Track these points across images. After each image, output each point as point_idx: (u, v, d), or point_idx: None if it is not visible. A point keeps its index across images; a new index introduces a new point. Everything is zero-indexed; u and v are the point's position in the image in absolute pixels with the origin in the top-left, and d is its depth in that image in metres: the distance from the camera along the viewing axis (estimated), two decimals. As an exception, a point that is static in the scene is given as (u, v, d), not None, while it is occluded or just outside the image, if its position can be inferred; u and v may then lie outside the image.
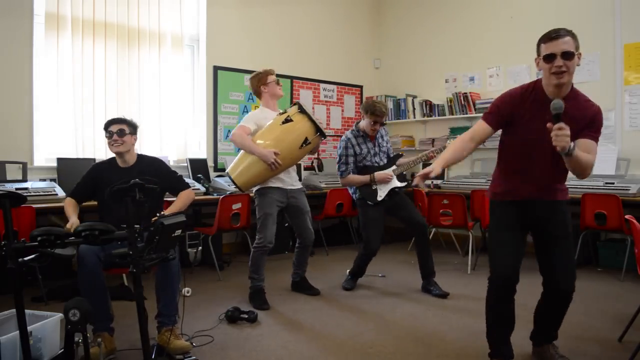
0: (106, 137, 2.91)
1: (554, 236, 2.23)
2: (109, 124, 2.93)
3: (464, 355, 2.61)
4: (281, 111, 3.49)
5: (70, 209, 2.83)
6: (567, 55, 2.01)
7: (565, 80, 2.04)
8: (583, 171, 2.05)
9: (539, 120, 2.07)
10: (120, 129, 2.88)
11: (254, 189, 3.58)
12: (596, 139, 2.10)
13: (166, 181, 2.94)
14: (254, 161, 3.32)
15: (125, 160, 2.93)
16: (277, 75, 3.72)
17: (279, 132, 3.34)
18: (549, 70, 2.04)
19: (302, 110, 3.35)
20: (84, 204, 2.97)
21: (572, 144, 1.89)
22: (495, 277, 2.24)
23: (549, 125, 1.89)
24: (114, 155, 2.98)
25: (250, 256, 3.59)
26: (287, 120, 3.33)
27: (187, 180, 4.66)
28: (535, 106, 2.13)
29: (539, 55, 2.12)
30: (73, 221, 2.68)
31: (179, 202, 2.96)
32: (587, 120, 2.09)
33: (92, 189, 2.91)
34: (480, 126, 2.25)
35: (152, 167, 2.97)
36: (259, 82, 3.64)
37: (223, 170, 5.39)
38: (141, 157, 3.02)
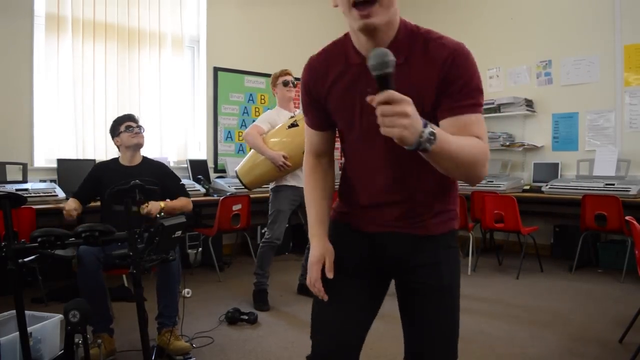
0: (123, 131, 2.90)
1: (421, 291, 1.32)
2: (128, 118, 2.95)
3: (464, 356, 2.61)
4: (292, 114, 3.56)
5: (73, 202, 2.83)
6: None
7: (378, 19, 1.10)
8: (467, 170, 1.11)
9: (359, 98, 1.20)
10: (140, 125, 2.95)
11: (270, 186, 3.62)
12: (474, 108, 1.14)
13: (169, 185, 2.94)
14: (262, 161, 3.40)
15: (132, 158, 2.94)
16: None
17: (284, 135, 3.40)
18: (348, 3, 1.10)
19: None
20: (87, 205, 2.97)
21: (424, 129, 0.97)
22: (312, 356, 1.35)
23: (369, 98, 0.97)
24: (116, 156, 3.02)
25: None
26: (293, 125, 3.39)
27: (186, 180, 4.74)
28: (349, 77, 1.23)
29: None
30: (71, 205, 2.71)
31: (177, 202, 2.94)
32: (440, 74, 1.14)
33: (95, 188, 2.90)
34: (309, 133, 1.42)
35: (157, 169, 2.97)
36: (271, 83, 3.75)
37: (223, 171, 5.39)
38: (146, 160, 3.03)
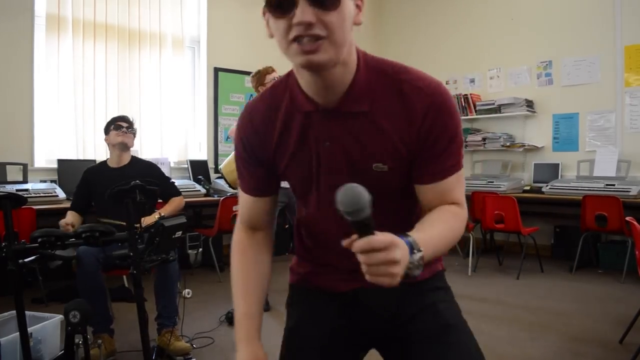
0: (112, 129, 2.92)
1: (422, 339, 1.05)
2: (120, 119, 2.97)
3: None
4: None
5: (70, 215, 2.85)
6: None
7: (326, 56, 0.85)
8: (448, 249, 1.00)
9: (315, 153, 0.99)
10: (129, 126, 2.96)
11: None
12: (457, 167, 0.98)
13: (160, 184, 2.93)
14: None
15: (120, 159, 2.94)
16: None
17: None
18: (286, 39, 0.86)
19: None
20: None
21: (412, 257, 0.81)
22: None
23: (345, 243, 0.78)
24: (104, 159, 3.05)
25: None
26: None
27: (187, 181, 4.74)
28: (300, 127, 0.99)
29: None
30: (67, 220, 2.72)
31: (169, 207, 2.96)
32: (421, 130, 0.93)
33: (88, 194, 2.93)
34: (245, 201, 1.12)
35: (145, 169, 2.97)
36: (257, 82, 3.60)
37: (223, 171, 5.40)
38: (135, 159, 3.04)
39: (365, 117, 0.94)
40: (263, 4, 0.89)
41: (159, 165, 3.21)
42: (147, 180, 2.18)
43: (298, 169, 1.03)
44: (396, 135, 0.94)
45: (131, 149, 3.01)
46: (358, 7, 0.92)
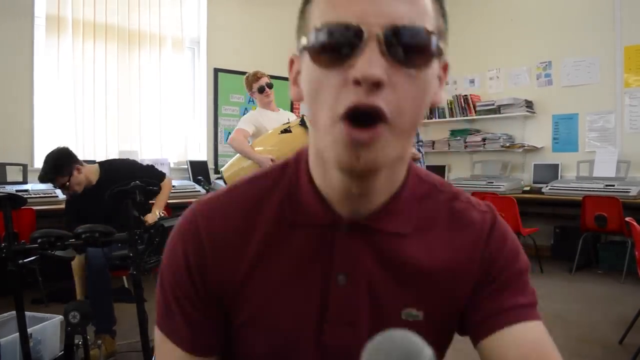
0: None
1: None
2: (43, 176, 2.76)
3: (465, 357, 2.61)
4: (286, 120, 3.38)
5: None
6: (409, 34, 0.50)
7: (381, 155, 0.52)
8: None
9: (320, 294, 0.62)
10: (61, 185, 2.75)
11: None
12: (534, 309, 0.69)
13: (144, 176, 2.87)
14: (249, 165, 3.26)
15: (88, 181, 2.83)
16: (277, 78, 3.70)
17: (276, 141, 3.25)
18: (334, 109, 0.51)
19: (302, 124, 3.22)
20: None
21: None
22: None
23: None
24: (115, 157, 3.02)
25: None
26: (286, 131, 3.22)
27: (187, 182, 4.74)
28: (299, 250, 0.62)
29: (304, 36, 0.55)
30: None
31: (162, 195, 2.93)
32: (483, 260, 0.65)
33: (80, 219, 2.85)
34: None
35: (120, 171, 2.86)
36: (246, 87, 3.58)
37: (223, 172, 5.39)
38: (104, 168, 2.89)
39: (404, 241, 0.63)
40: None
41: (159, 166, 3.19)
42: (146, 180, 2.18)
43: (279, 320, 0.62)
44: (444, 265, 0.64)
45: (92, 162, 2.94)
46: (440, 79, 0.59)
